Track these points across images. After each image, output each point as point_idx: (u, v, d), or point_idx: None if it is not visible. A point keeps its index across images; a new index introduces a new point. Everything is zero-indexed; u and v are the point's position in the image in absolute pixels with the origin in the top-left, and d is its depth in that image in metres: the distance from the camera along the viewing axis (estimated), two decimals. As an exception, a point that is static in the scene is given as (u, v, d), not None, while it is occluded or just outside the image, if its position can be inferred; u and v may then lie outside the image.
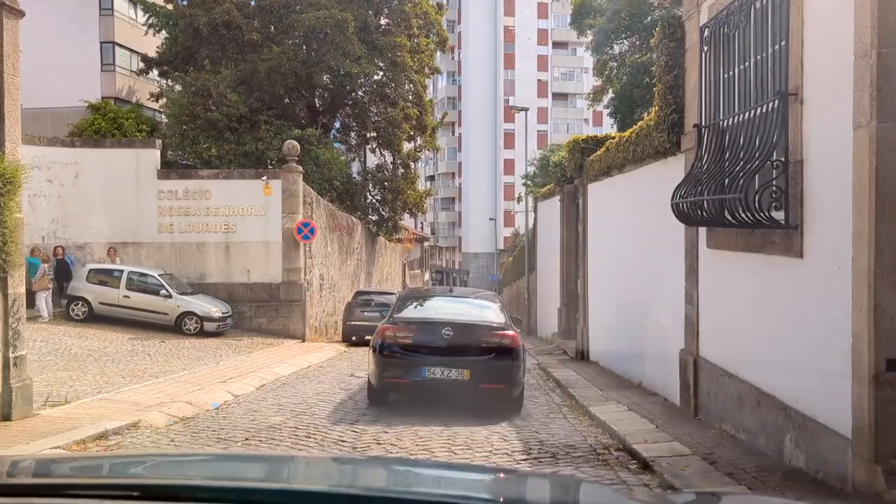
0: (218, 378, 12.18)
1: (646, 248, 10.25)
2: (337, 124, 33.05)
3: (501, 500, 1.72)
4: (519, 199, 31.27)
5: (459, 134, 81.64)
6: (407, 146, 32.56)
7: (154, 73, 32.33)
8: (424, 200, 33.84)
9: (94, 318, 17.64)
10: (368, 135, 31.36)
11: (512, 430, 8.19)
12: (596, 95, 34.16)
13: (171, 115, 26.42)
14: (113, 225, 19.96)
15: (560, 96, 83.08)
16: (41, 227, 19.10)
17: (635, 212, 10.85)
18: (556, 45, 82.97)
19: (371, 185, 31.48)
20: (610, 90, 32.36)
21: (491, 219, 63.36)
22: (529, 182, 27.75)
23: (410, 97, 32.25)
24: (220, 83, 25.88)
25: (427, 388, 8.72)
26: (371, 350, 9.31)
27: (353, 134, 32.74)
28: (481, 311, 9.77)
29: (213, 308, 18.18)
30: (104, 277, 17.92)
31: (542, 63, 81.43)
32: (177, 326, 17.78)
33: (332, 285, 24.43)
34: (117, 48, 37.50)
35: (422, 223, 76.13)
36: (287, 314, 20.12)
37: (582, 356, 15.12)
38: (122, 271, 18.00)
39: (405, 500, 1.53)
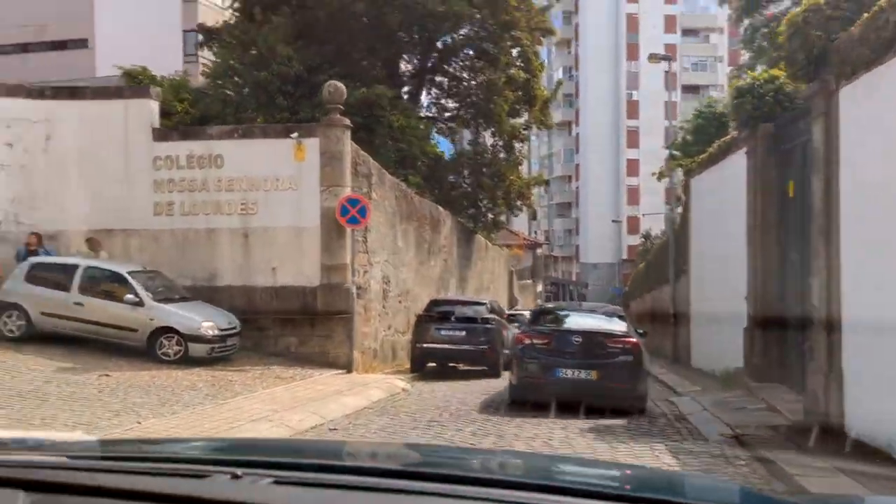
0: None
1: None
2: (425, 102, 26.61)
3: (627, 487, 1.82)
4: (661, 176, 23.66)
5: (577, 133, 74.41)
6: (511, 123, 25.66)
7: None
8: (531, 189, 26.72)
9: (36, 334, 11.89)
10: (462, 106, 24.65)
11: None
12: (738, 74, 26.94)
13: (212, 76, 21.04)
14: (94, 206, 14.26)
15: (690, 89, 74.11)
16: (-5, 207, 13.81)
17: None
18: (686, 32, 74.96)
19: (465, 170, 24.70)
20: (759, 67, 25.07)
21: (615, 221, 55.35)
22: (676, 152, 20.12)
23: (518, 62, 25.44)
24: (270, 35, 20.26)
25: (560, 386, 9.94)
26: (513, 357, 11.22)
27: (444, 113, 26.08)
28: (607, 322, 11.09)
29: (204, 322, 11.99)
30: (51, 275, 12.14)
31: (671, 53, 72.77)
32: (151, 349, 11.79)
33: (403, 292, 17.95)
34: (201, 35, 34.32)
35: (535, 230, 68.78)
36: (326, 332, 13.72)
37: (825, 428, 7.77)
38: (76, 267, 12.18)
39: (542, 486, 1.58)
